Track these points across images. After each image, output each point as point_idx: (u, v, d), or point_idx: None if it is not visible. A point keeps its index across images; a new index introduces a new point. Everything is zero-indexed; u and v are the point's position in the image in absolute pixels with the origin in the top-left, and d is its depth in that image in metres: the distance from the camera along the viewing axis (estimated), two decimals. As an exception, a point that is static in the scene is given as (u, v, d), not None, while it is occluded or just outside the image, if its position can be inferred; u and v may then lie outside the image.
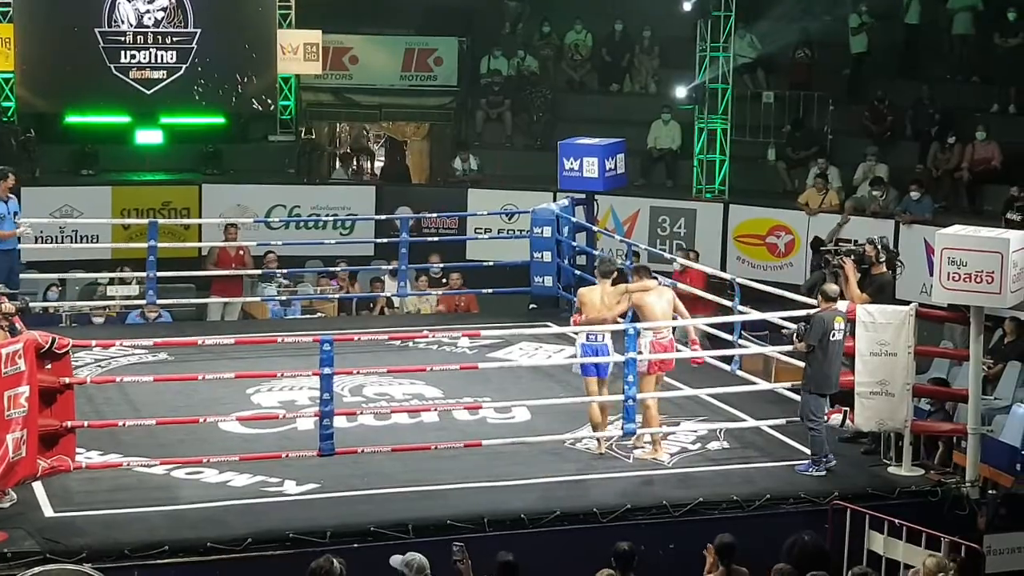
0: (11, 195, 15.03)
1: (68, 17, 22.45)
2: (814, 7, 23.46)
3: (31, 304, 12.22)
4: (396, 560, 8.97)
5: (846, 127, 22.39)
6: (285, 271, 18.74)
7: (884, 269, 13.04)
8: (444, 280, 18.90)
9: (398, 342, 15.08)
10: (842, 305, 12.39)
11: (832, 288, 12.40)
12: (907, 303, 12.73)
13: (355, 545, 10.47)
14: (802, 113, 22.73)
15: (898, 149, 21.66)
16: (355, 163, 25.49)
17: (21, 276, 15.87)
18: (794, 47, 23.26)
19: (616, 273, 12.88)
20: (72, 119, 23.09)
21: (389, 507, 11.15)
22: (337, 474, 11.62)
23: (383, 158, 26.12)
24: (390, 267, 18.34)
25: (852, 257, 13.03)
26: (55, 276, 18.22)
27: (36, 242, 17.06)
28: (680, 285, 15.15)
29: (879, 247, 13.05)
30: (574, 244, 17.04)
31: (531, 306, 17.43)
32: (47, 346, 10.55)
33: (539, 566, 10.32)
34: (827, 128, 22.36)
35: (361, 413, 12.89)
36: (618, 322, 12.69)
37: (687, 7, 22.19)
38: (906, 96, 22.05)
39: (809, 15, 23.48)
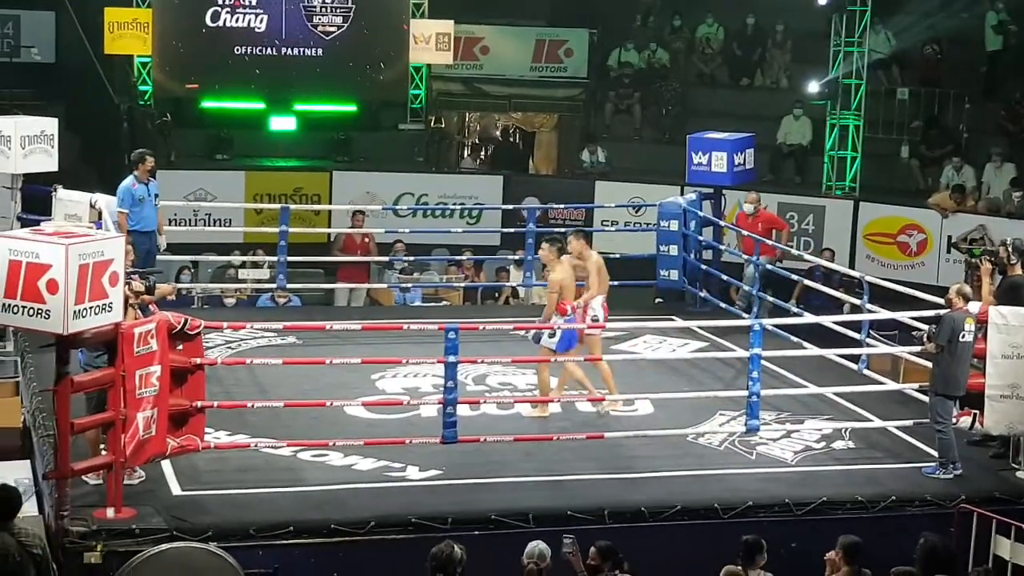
0: (152, 178, 15.12)
1: (205, 3, 22.84)
2: (952, 3, 23.03)
3: (158, 284, 12.35)
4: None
5: (982, 126, 21.97)
6: (411, 258, 18.86)
7: (1019, 271, 12.77)
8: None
9: (523, 332, 15.09)
10: (973, 306, 12.17)
11: (968, 289, 12.19)
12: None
13: (476, 532, 10.50)
14: (937, 111, 22.35)
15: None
16: (484, 153, 25.58)
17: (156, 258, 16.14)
18: (923, 43, 22.86)
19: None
20: (207, 104, 23.48)
21: (510, 496, 11.16)
22: (459, 461, 11.67)
23: (508, 142, 26.10)
24: (516, 257, 18.37)
25: (991, 259, 12.79)
26: (188, 258, 18.55)
27: (170, 224, 17.29)
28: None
29: (1011, 249, 12.79)
30: (700, 238, 16.95)
31: (657, 300, 17.34)
32: (179, 327, 10.72)
33: (659, 559, 10.28)
34: (962, 126, 21.96)
35: (484, 402, 12.96)
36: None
37: (822, 1, 21.93)
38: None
39: (945, 11, 23.07)
